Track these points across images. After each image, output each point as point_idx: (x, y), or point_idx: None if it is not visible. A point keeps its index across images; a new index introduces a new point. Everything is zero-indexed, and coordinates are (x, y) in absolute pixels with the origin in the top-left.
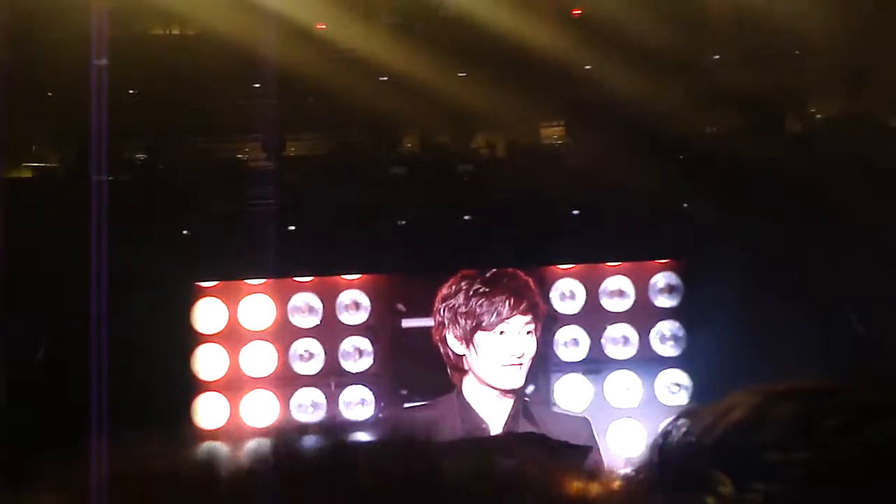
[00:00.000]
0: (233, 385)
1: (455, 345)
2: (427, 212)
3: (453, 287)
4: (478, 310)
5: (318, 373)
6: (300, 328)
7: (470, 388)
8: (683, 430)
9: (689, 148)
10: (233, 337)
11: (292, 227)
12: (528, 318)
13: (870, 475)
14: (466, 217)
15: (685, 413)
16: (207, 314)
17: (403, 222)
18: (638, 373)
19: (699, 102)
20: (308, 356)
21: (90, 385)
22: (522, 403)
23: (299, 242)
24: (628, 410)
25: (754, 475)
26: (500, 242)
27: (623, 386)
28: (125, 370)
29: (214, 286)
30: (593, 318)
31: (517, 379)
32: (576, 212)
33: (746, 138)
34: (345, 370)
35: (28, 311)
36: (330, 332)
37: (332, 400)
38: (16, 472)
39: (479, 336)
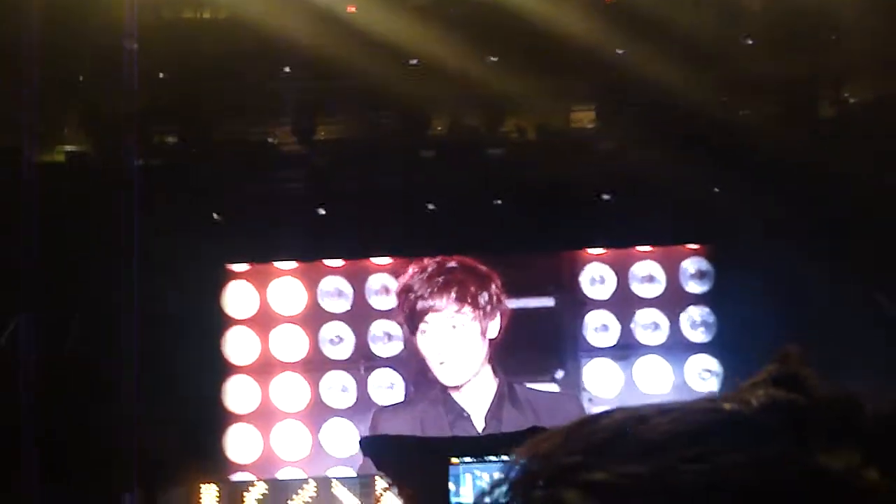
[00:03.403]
0: (263, 369)
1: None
2: (457, 196)
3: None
4: (403, 317)
5: (348, 357)
6: (330, 312)
7: None
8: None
9: (720, 132)
10: (263, 321)
11: (322, 211)
12: (453, 311)
13: None
14: (496, 201)
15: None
16: (238, 297)
17: (433, 206)
18: (668, 359)
19: (731, 86)
20: (338, 340)
21: (122, 370)
22: (507, 386)
23: (329, 226)
24: (658, 397)
25: None
26: (530, 227)
27: (652, 372)
28: (156, 354)
29: (245, 269)
30: (623, 303)
31: (452, 377)
32: (606, 196)
33: (778, 122)
34: (374, 354)
35: (60, 297)
36: (360, 315)
37: (362, 383)
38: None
39: (416, 338)
